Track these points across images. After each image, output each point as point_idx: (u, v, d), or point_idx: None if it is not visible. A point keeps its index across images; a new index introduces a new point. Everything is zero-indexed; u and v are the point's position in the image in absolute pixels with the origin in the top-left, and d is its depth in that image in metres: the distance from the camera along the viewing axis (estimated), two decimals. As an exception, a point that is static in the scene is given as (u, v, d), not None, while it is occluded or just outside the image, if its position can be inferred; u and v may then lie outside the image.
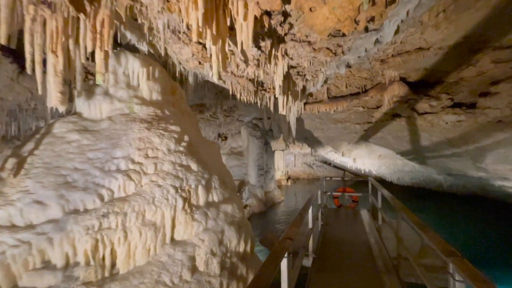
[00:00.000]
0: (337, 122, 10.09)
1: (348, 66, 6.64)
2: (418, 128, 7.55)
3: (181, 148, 3.83)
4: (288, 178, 25.22)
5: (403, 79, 6.77)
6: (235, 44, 3.51)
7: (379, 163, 13.32)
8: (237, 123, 14.68)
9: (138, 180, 3.33)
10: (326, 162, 24.93)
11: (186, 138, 4.01)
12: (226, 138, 16.74)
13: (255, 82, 6.24)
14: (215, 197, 3.97)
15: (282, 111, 6.16)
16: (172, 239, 3.44)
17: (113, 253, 3.02)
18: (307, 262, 3.43)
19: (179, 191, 3.49)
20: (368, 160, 13.11)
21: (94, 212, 2.98)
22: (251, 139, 13.56)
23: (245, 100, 6.87)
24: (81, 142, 3.38)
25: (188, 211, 3.52)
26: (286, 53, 4.93)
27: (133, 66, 4.09)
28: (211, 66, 4.87)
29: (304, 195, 18.81)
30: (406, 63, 5.91)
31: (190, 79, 5.55)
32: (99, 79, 3.15)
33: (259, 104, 7.52)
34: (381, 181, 14.95)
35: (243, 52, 4.10)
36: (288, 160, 25.70)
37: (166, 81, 4.71)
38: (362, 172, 15.69)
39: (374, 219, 5.54)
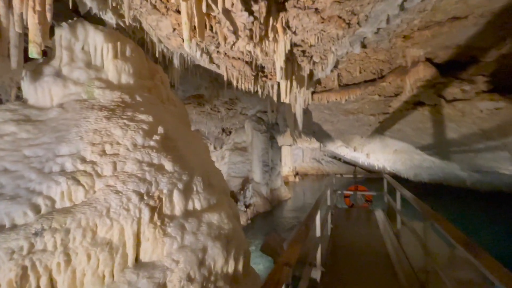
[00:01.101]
0: (348, 113, 9.09)
1: (363, 46, 5.66)
2: (445, 118, 6.49)
3: (151, 143, 3.01)
4: (296, 174, 24.28)
5: (428, 60, 5.73)
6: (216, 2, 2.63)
7: (394, 159, 12.23)
8: (241, 116, 13.84)
9: (89, 184, 2.54)
10: (336, 157, 23.83)
11: (160, 130, 3.19)
12: (230, 133, 15.95)
13: (253, 66, 5.35)
14: (197, 204, 3.15)
15: (284, 98, 5.26)
16: (136, 260, 2.65)
17: (51, 283, 2.25)
18: (315, 273, 2.94)
19: (145, 198, 2.68)
20: (382, 155, 12.04)
21: (23, 229, 2.21)
22: (255, 133, 12.70)
23: (243, 88, 6.00)
24: (18, 136, 2.61)
25: (158, 223, 2.72)
26: (287, 25, 4.01)
27: (95, 40, 3.28)
28: (197, 44, 4.03)
29: (313, 192, 17.91)
30: (435, 38, 4.88)
31: (176, 62, 4.73)
32: (32, 50, 2.35)
33: (260, 93, 6.63)
34: (396, 177, 13.83)
35: (228, 15, 3.21)
36: (296, 155, 24.74)
37: (141, 62, 3.89)
38: (376, 168, 14.60)
39: (391, 221, 4.83)
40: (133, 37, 4.14)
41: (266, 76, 6.33)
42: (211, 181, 3.58)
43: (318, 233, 2.93)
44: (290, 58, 5.13)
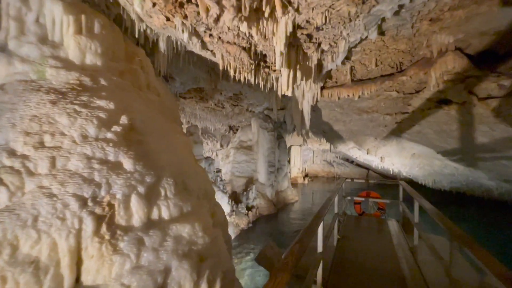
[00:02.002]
0: (362, 112, 8.27)
1: (381, 32, 4.88)
2: (475, 118, 5.59)
3: (109, 135, 2.44)
4: (306, 175, 23.44)
5: (458, 50, 4.87)
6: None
7: (411, 163, 11.23)
8: (248, 114, 13.23)
9: (15, 185, 1.99)
10: (348, 160, 22.78)
11: (123, 120, 2.61)
12: (238, 131, 15.39)
13: (252, 53, 4.70)
14: (164, 212, 2.56)
15: (286, 90, 4.59)
16: (77, 283, 2.08)
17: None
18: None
19: (90, 204, 2.11)
20: (398, 159, 11.07)
21: None
22: (262, 131, 12.05)
23: (242, 79, 5.36)
24: None
25: (107, 237, 2.15)
26: (288, 0, 3.33)
27: (53, 12, 2.75)
28: (183, 23, 3.44)
29: (322, 195, 17.06)
30: (469, 21, 4.05)
31: (162, 45, 4.16)
32: None
33: (261, 86, 5.97)
34: (412, 183, 12.78)
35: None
36: (306, 156, 23.87)
37: (115, 41, 3.33)
38: (391, 173, 13.59)
39: (406, 234, 4.31)
40: (107, 13, 3.62)
41: (269, 67, 5.66)
42: (188, 184, 2.98)
43: (319, 247, 2.49)
44: (293, 43, 4.45)
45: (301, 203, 14.22)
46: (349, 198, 6.27)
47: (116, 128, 2.52)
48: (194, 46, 4.44)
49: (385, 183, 12.20)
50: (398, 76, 5.90)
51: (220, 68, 4.89)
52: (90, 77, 2.76)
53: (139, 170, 2.47)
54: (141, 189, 2.41)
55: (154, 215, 2.51)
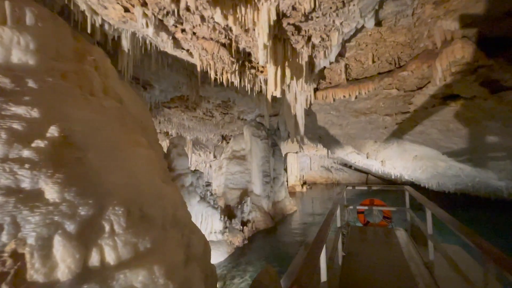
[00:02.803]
0: (359, 114, 7.71)
1: (378, 22, 4.35)
2: (487, 114, 5.03)
3: (25, 153, 1.77)
4: (304, 183, 22.73)
5: (466, 38, 4.34)
6: None
7: (414, 166, 10.64)
8: (239, 122, 12.64)
9: None
10: (347, 165, 22.19)
11: (52, 131, 1.95)
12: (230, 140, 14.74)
13: (233, 51, 4.10)
14: (108, 255, 1.87)
15: (274, 91, 3.97)
16: None
17: None
18: None
19: (-21, 259, 1.41)
20: (400, 162, 10.48)
21: None
22: (254, 140, 11.42)
23: (225, 82, 4.76)
24: None
25: (9, 305, 1.44)
26: (268, -21, 2.75)
27: (-39, -4, 2.11)
28: (145, 15, 2.83)
29: (322, 203, 16.35)
30: (480, 1, 3.52)
31: (125, 44, 3.54)
32: None
33: (248, 89, 5.38)
34: (414, 186, 12.16)
35: None
36: (303, 163, 23.25)
37: (58, 36, 2.70)
38: (392, 177, 12.99)
39: (418, 244, 3.94)
40: (51, 5, 3.00)
41: (255, 68, 5.08)
42: (148, 211, 2.29)
43: (323, 277, 2.07)
44: (279, 36, 3.87)
45: (300, 214, 13.45)
46: (351, 207, 5.71)
47: (38, 143, 1.85)
48: (165, 44, 3.83)
49: (388, 189, 11.57)
50: (398, 72, 5.36)
51: (198, 69, 4.28)
52: (11, 79, 2.11)
53: (70, 199, 1.79)
54: (70, 226, 1.72)
55: (93, 260, 1.81)
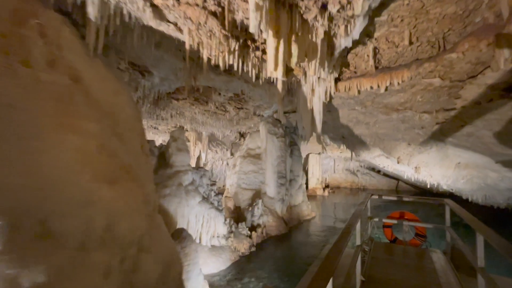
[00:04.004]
0: (390, 110, 6.50)
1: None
2: None
3: None
4: (326, 186, 21.34)
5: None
6: None
7: (455, 175, 9.05)
8: (256, 118, 11.85)
9: None
10: (375, 169, 20.39)
11: None
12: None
13: (226, 23, 3.30)
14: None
15: (273, 70, 3.09)
16: None
17: None
18: None
19: None
20: (438, 170, 8.96)
21: None
22: (270, 138, 10.56)
23: (221, 65, 4.00)
24: None
25: None
26: None
27: None
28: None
29: (345, 210, 15.03)
30: None
31: (92, 11, 2.90)
32: None
33: (251, 75, 4.57)
34: (453, 197, 10.43)
35: None
36: (327, 165, 21.83)
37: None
38: (428, 186, 11.34)
39: (459, 273, 3.28)
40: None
41: (259, 49, 4.25)
42: (56, 226, 1.58)
43: None
44: (282, 1, 2.99)
45: (319, 220, 12.34)
46: (376, 220, 4.73)
47: None
48: (144, 14, 3.15)
49: (421, 201, 10.03)
50: (444, 54, 4.17)
51: (187, 47, 3.55)
52: None
53: None
54: None
55: None
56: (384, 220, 4.90)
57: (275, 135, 10.62)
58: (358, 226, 2.86)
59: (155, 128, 12.83)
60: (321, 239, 9.66)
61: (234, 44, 3.87)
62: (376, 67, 5.47)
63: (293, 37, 3.24)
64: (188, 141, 14.43)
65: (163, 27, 3.56)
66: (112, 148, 2.47)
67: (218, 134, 14.38)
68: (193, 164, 16.91)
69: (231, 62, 4.02)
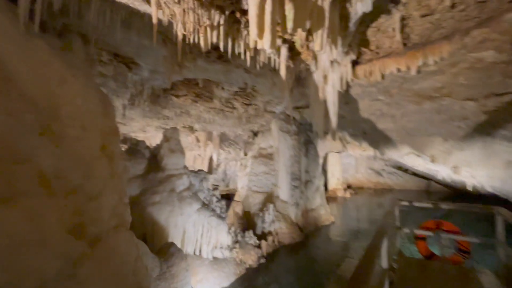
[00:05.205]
0: (422, 99, 5.34)
1: None
2: None
3: None
4: (348, 187, 19.92)
5: None
6: None
7: (506, 176, 7.54)
8: (268, 115, 10.96)
9: None
10: (402, 167, 18.63)
11: None
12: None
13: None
14: None
15: (259, 39, 2.21)
16: None
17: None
18: None
19: None
20: (483, 170, 7.52)
21: None
22: (282, 136, 9.64)
23: (201, 43, 3.20)
24: None
25: None
26: None
27: None
28: None
29: (369, 213, 13.73)
30: None
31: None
32: None
33: (243, 55, 3.73)
34: (499, 201, 8.84)
35: None
36: (348, 164, 20.38)
37: None
38: (469, 188, 9.76)
39: None
40: None
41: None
42: None
43: None
44: None
45: (340, 225, 11.19)
46: (406, 230, 4.02)
47: None
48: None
49: (466, 209, 8.59)
50: (504, 14, 3.04)
51: (154, 21, 2.78)
52: None
53: None
54: None
55: None
56: (417, 231, 4.01)
57: (287, 132, 9.68)
58: (384, 244, 2.23)
59: (163, 128, 12.41)
60: (342, 247, 8.58)
61: (217, 17, 3.05)
62: (405, 44, 4.38)
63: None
64: (198, 141, 13.89)
65: (125, -2, 2.82)
66: (24, 152, 1.75)
67: (229, 133, 13.68)
68: (205, 166, 16.39)
69: (215, 40, 3.19)
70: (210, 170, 16.46)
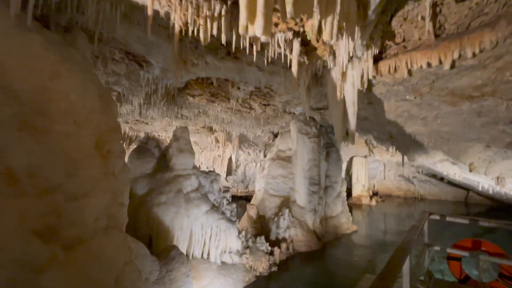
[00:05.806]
0: (459, 99, 4.66)
1: None
2: None
3: None
4: (375, 194, 18.74)
5: None
6: None
7: None
8: (288, 116, 10.59)
9: None
10: (436, 175, 17.08)
11: None
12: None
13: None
14: None
15: (251, 25, 1.91)
16: None
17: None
18: None
19: None
20: (535, 182, 6.47)
21: None
22: (301, 138, 9.20)
23: (201, 36, 3.00)
24: None
25: None
26: None
27: None
28: None
29: (397, 223, 12.76)
30: None
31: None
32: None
33: (247, 50, 3.48)
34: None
35: None
36: (375, 170, 19.17)
37: None
38: (506, 197, 8.57)
39: None
40: None
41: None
42: None
43: None
44: None
45: (362, 235, 10.46)
46: (437, 248, 3.52)
47: None
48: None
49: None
50: None
51: (149, 12, 2.62)
52: None
53: None
54: None
55: None
56: (449, 251, 3.44)
57: (306, 135, 9.21)
58: (407, 263, 1.92)
59: (184, 128, 12.59)
60: (363, 260, 7.94)
61: (218, 8, 2.82)
62: (437, 36, 3.82)
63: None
64: (218, 141, 13.88)
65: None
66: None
67: (248, 134, 13.49)
68: (225, 166, 16.35)
69: (216, 32, 2.97)
70: (230, 171, 16.42)
